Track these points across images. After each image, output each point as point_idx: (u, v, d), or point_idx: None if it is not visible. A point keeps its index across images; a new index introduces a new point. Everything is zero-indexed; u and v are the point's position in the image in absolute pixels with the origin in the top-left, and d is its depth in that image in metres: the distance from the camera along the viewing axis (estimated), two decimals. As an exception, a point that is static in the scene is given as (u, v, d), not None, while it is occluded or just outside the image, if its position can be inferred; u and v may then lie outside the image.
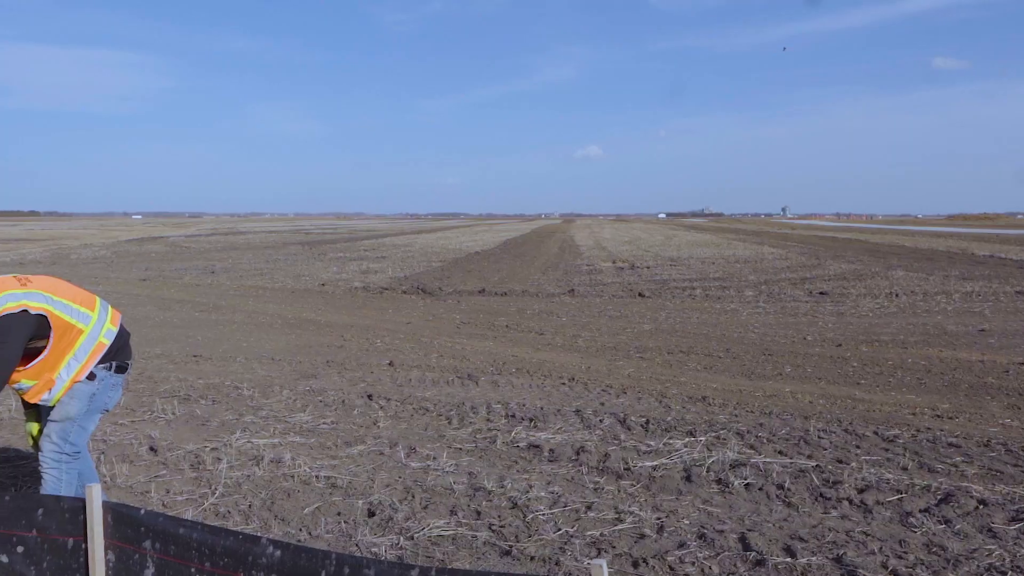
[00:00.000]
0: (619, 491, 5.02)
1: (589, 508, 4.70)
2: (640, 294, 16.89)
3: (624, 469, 5.38)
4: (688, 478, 5.20)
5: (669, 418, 6.70)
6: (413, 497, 4.90)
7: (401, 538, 4.30)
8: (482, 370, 8.96)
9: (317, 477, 5.28)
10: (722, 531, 4.34)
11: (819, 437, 6.07)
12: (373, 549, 4.16)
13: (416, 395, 7.67)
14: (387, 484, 5.16)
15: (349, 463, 5.61)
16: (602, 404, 7.30)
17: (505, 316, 13.82)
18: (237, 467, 5.50)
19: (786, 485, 5.03)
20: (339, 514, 4.68)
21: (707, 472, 5.29)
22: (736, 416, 6.80)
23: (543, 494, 4.93)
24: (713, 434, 6.16)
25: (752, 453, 5.67)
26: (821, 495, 4.88)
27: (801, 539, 4.23)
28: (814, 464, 5.42)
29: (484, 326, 12.64)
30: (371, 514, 4.65)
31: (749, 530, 4.35)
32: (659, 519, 4.53)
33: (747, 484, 5.07)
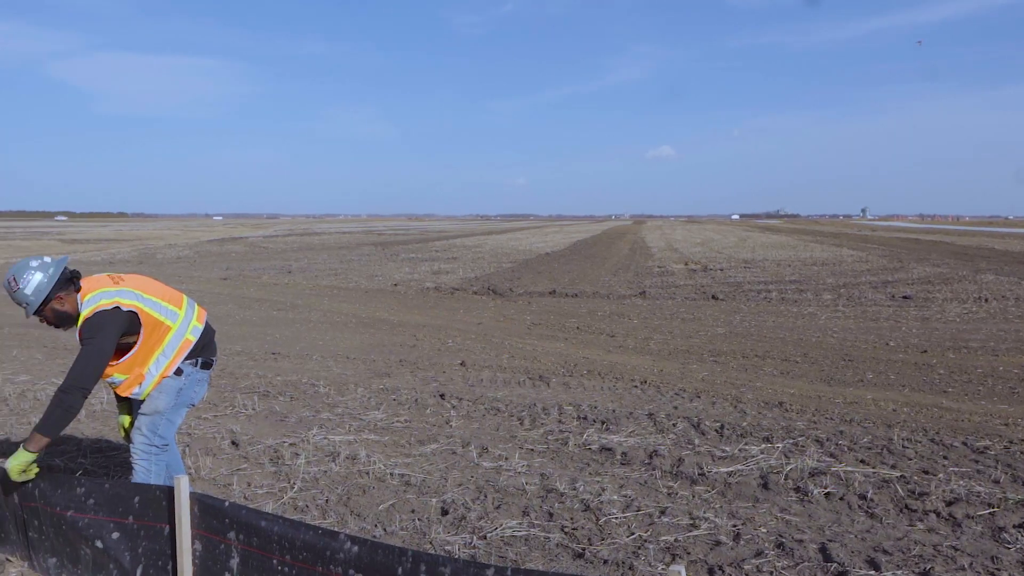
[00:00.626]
0: (693, 496, 4.94)
1: (663, 513, 4.63)
2: (713, 296, 16.60)
3: (698, 474, 5.29)
4: (765, 485, 5.08)
5: (744, 423, 6.56)
6: (485, 497, 4.92)
7: (474, 537, 4.32)
8: (553, 371, 8.95)
9: (391, 474, 5.35)
10: (801, 540, 4.23)
11: (903, 447, 5.85)
12: (446, 547, 4.19)
13: (488, 395, 7.71)
14: (460, 483, 5.20)
15: (422, 461, 5.67)
16: (675, 408, 7.20)
17: (576, 318, 13.77)
18: (314, 463, 5.62)
19: (869, 495, 4.86)
20: (413, 511, 4.73)
21: (785, 480, 5.16)
22: (815, 423, 6.62)
23: (616, 497, 4.89)
24: (791, 441, 6.01)
25: (832, 461, 5.51)
26: (906, 507, 4.71)
27: (885, 552, 4.08)
28: (898, 474, 5.23)
29: (555, 327, 12.63)
30: (444, 512, 4.69)
31: (830, 540, 4.22)
32: (735, 526, 4.44)
33: (827, 493, 4.92)
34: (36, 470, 3.69)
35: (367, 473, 5.39)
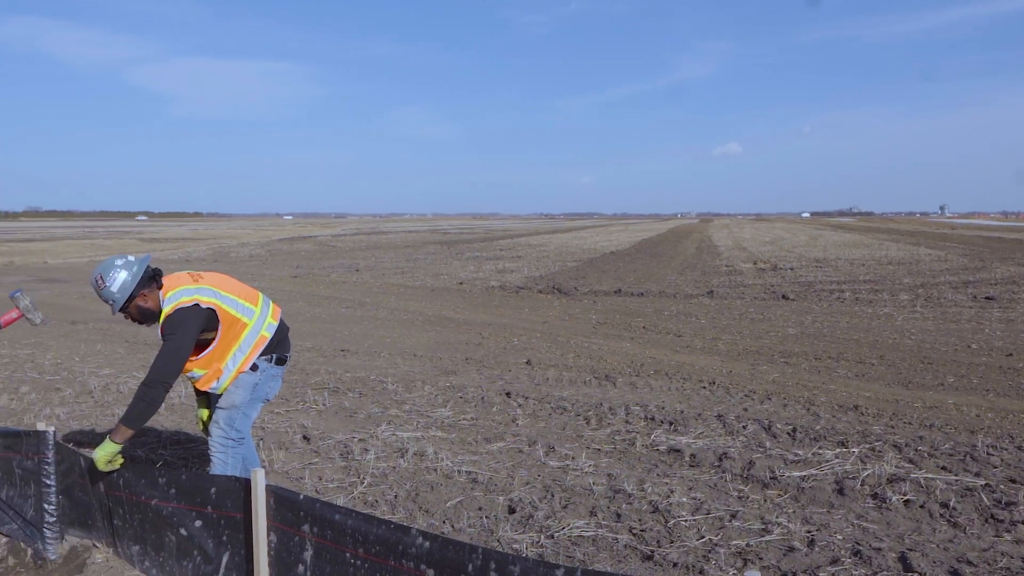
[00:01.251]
0: (765, 500, 4.83)
1: (734, 517, 4.55)
2: (784, 296, 16.23)
3: (770, 478, 5.18)
4: (840, 491, 4.93)
5: (818, 427, 6.39)
6: (552, 496, 4.91)
7: (542, 536, 4.31)
8: (619, 371, 8.88)
9: (459, 472, 5.39)
10: (879, 549, 4.09)
11: (988, 454, 5.61)
12: (514, 545, 4.20)
13: (554, 394, 7.70)
14: (526, 482, 5.20)
15: (489, 459, 5.70)
16: (745, 410, 7.06)
17: (642, 317, 13.64)
18: (383, 458, 5.70)
19: (951, 504, 4.68)
20: (480, 509, 4.75)
21: (861, 486, 5.00)
22: (892, 427, 6.40)
23: (685, 500, 4.82)
24: (867, 446, 5.82)
25: (911, 468, 5.31)
26: (992, 516, 4.51)
27: (970, 563, 3.92)
28: (983, 483, 5.02)
29: (621, 327, 12.53)
30: (511, 511, 4.70)
31: (910, 550, 4.07)
32: (809, 532, 4.32)
33: (906, 500, 4.75)
34: (121, 460, 3.83)
35: (435, 470, 5.44)
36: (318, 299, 16.99)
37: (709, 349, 10.40)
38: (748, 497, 4.89)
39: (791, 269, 23.68)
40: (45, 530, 4.12)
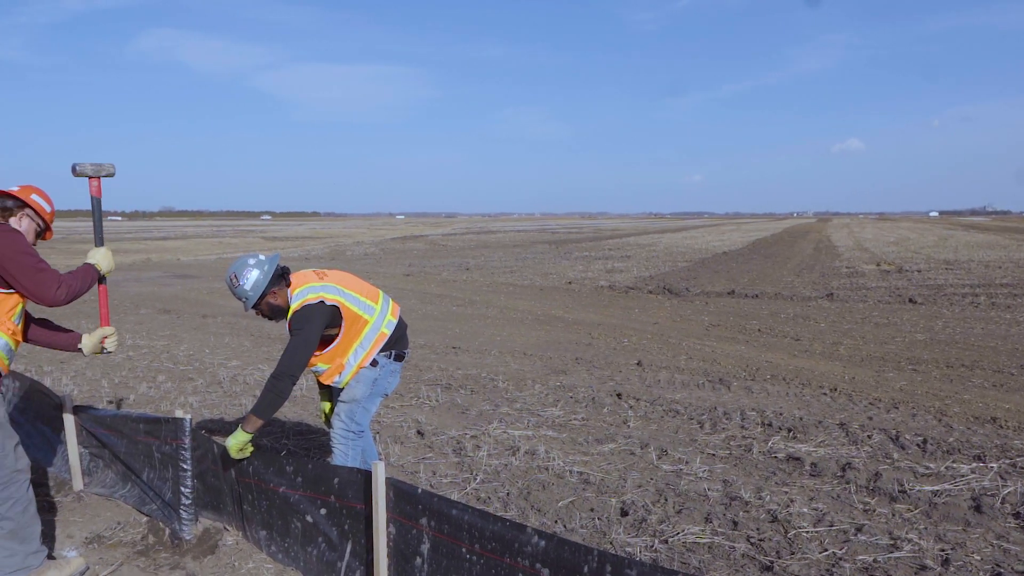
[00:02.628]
0: (893, 515, 4.59)
1: (859, 530, 4.34)
2: (911, 300, 15.38)
3: (899, 491, 4.91)
4: (977, 508, 4.63)
5: (951, 439, 6.01)
6: (666, 500, 4.83)
7: (655, 541, 4.25)
8: (734, 375, 8.65)
9: (570, 472, 5.38)
10: (1023, 573, 3.81)
11: None
12: (627, 548, 4.15)
13: (665, 396, 7.57)
14: (639, 485, 5.13)
15: (601, 460, 5.66)
16: (870, 418, 6.73)
17: (757, 319, 13.23)
18: (495, 455, 5.76)
19: (1106, 527, 4.31)
20: (592, 510, 4.72)
21: (1002, 504, 4.68)
22: (1036, 442, 5.95)
23: (806, 510, 4.64)
24: (1007, 461, 5.44)
25: (1059, 486, 4.93)
26: None
27: None
28: None
29: (734, 329, 12.20)
30: (624, 513, 4.65)
31: (1058, 575, 3.78)
32: (943, 551, 4.07)
33: (1054, 522, 4.41)
34: (251, 448, 4.03)
35: (546, 469, 5.45)
36: (430, 297, 17.35)
37: (829, 354, 9.98)
38: (875, 510, 4.65)
39: (918, 271, 22.42)
40: (181, 512, 4.37)
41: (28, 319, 4.03)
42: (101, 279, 4.17)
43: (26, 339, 4.05)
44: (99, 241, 4.26)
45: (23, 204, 3.81)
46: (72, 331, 4.29)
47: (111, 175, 4.38)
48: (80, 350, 4.21)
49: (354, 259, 32.80)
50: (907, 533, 4.29)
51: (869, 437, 6.09)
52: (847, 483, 5.10)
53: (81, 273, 3.86)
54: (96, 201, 4.34)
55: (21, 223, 3.80)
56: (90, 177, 4.30)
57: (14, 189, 3.80)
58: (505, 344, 10.96)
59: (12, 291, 3.58)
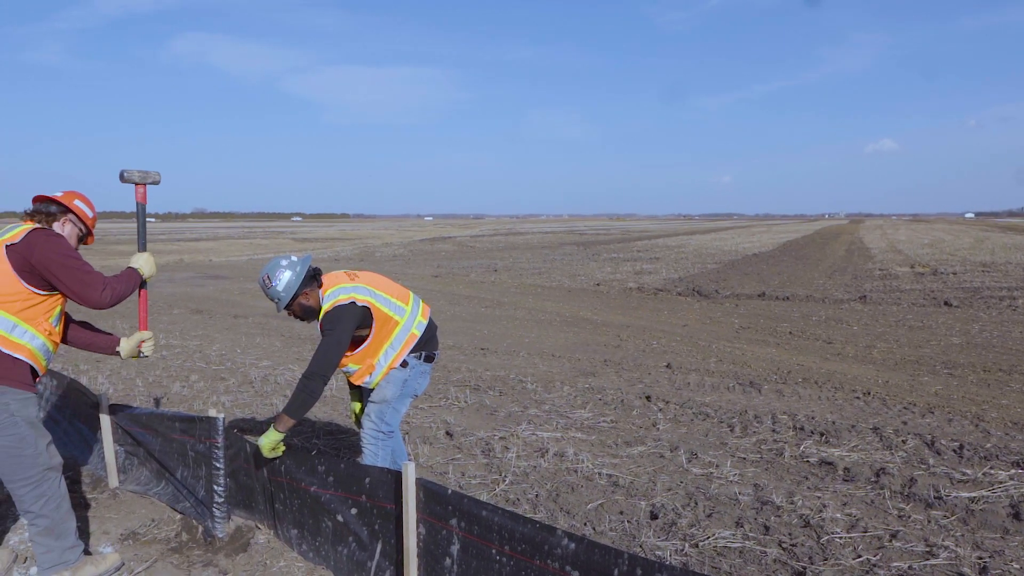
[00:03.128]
0: (929, 521, 4.51)
1: (894, 537, 4.27)
2: (946, 303, 15.12)
3: (934, 497, 4.83)
4: (1016, 515, 4.53)
5: (989, 445, 5.90)
6: (696, 504, 4.79)
7: (686, 544, 4.22)
8: (765, 378, 8.56)
9: (599, 474, 5.36)
10: (1064, 582, 3.73)
11: None
12: (657, 552, 4.13)
13: (695, 399, 7.52)
14: (669, 488, 5.10)
15: (630, 463, 5.63)
16: (904, 423, 6.63)
17: (788, 322, 13.09)
18: (524, 457, 5.76)
19: None
20: (621, 513, 4.70)
21: (1041, 511, 4.58)
22: (1077, 449, 5.82)
23: (839, 515, 4.58)
24: (1047, 468, 5.33)
25: (1101, 494, 4.81)
26: None
27: None
28: None
29: (765, 331, 12.08)
30: (654, 516, 4.62)
31: (1101, 585, 3.69)
32: (981, 559, 4.00)
33: (1096, 530, 4.31)
34: (283, 448, 4.06)
35: (575, 471, 5.44)
36: (458, 298, 17.40)
37: (863, 357, 9.84)
38: (909, 516, 4.58)
39: (954, 274, 22.04)
40: (214, 510, 4.43)
41: (67, 320, 4.10)
42: (143, 284, 4.23)
43: (65, 340, 4.12)
44: (142, 246, 4.32)
45: (66, 209, 3.88)
46: (111, 334, 4.37)
47: (156, 183, 4.47)
48: (118, 353, 4.28)
49: (383, 260, 32.99)
50: (943, 540, 4.22)
51: (904, 442, 6.00)
52: (881, 488, 5.03)
53: (125, 277, 3.93)
54: (141, 207, 4.41)
55: (64, 228, 3.87)
56: (136, 184, 4.38)
57: (57, 195, 3.88)
58: (533, 346, 10.95)
59: (52, 293, 3.65)
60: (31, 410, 3.60)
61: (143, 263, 4.14)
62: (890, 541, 4.23)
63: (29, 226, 3.69)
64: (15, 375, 3.52)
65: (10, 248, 3.55)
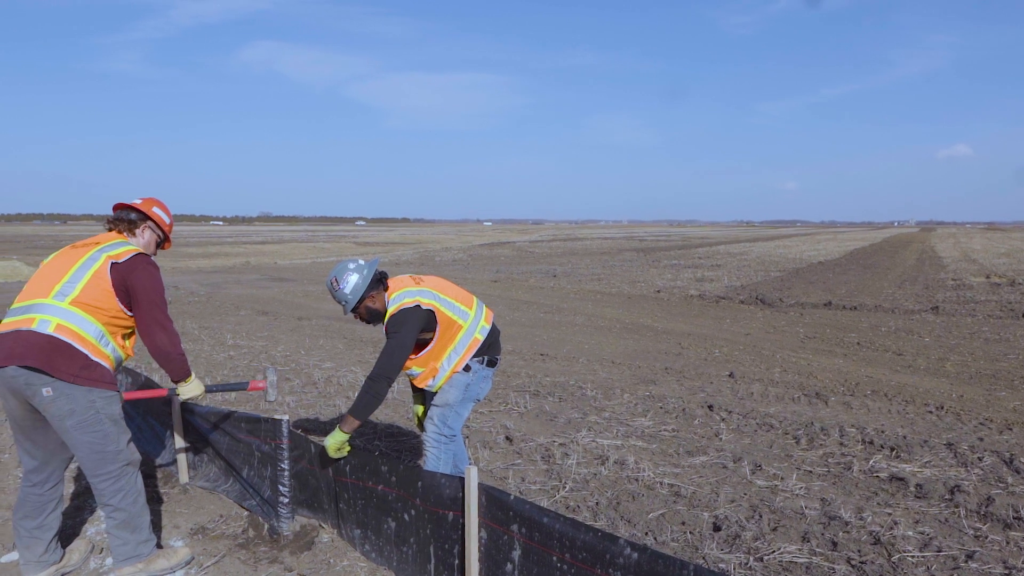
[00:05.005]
0: (1008, 543, 4.33)
1: (970, 557, 4.11)
2: (1024, 315, 14.53)
3: (1013, 518, 4.63)
4: (1103, 540, 4.32)
5: (1072, 464, 5.64)
6: (760, 516, 4.69)
7: (750, 558, 4.13)
8: (831, 389, 8.34)
9: (660, 483, 5.30)
10: None
11: None
12: (720, 564, 4.06)
13: (759, 410, 7.37)
14: (732, 499, 5.01)
15: (692, 473, 5.55)
16: (980, 439, 6.38)
17: (856, 332, 12.74)
18: (584, 464, 5.72)
19: None
20: (683, 523, 4.64)
21: None
22: None
23: (911, 533, 4.43)
24: None
25: None
26: None
27: None
28: None
29: (832, 342, 11.78)
30: (716, 528, 4.54)
31: None
32: (1065, 584, 3.82)
33: None
34: (348, 448, 4.13)
35: (636, 480, 5.38)
36: (517, 303, 17.42)
37: (935, 370, 9.51)
38: (986, 537, 4.40)
39: (1033, 284, 21.14)
40: (280, 508, 4.52)
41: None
42: (173, 391, 4.24)
43: None
44: (207, 389, 4.31)
45: (145, 217, 4.03)
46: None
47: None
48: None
49: (442, 265, 33.27)
50: (1023, 563, 4.04)
51: (980, 459, 5.78)
52: (956, 507, 4.85)
53: (182, 358, 3.94)
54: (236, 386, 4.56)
55: (144, 235, 4.01)
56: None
57: (137, 202, 4.02)
58: (593, 352, 10.90)
59: (134, 315, 3.80)
60: (115, 408, 3.74)
61: (193, 388, 4.10)
62: (966, 562, 4.07)
63: (135, 250, 3.82)
64: (101, 376, 3.66)
65: (114, 266, 3.71)
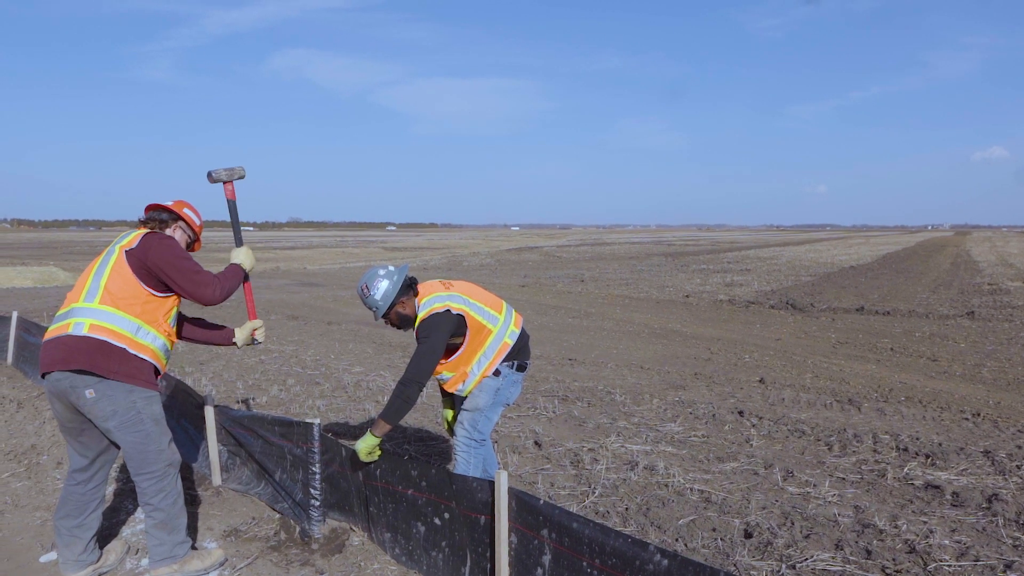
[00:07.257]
0: (1048, 553, 4.24)
1: (1008, 567, 4.04)
2: (1063, 320, 14.22)
3: (1053, 528, 4.54)
4: None
5: (1114, 473, 5.51)
6: (792, 524, 4.65)
7: (782, 565, 4.09)
8: (864, 395, 8.23)
9: (690, 489, 5.26)
10: None
11: None
12: (752, 572, 4.02)
13: (790, 416, 7.30)
14: (763, 506, 4.96)
15: (722, 479, 5.51)
16: (1018, 447, 6.26)
17: (889, 337, 12.56)
18: (613, 469, 5.71)
19: None
20: (714, 530, 4.60)
21: None
22: None
23: (947, 542, 4.35)
24: None
25: None
26: None
27: None
28: None
29: (864, 347, 11.62)
30: (748, 535, 4.50)
31: None
32: (1107, 595, 3.73)
33: None
34: (379, 452, 4.16)
35: (666, 485, 5.36)
36: (545, 308, 17.42)
37: (971, 376, 9.35)
38: (1026, 547, 4.32)
39: (1072, 289, 20.69)
40: (311, 511, 4.56)
41: (181, 319, 4.32)
42: (245, 276, 4.41)
43: (182, 337, 4.35)
44: (239, 241, 4.52)
45: (177, 217, 4.11)
46: (224, 327, 4.59)
47: (243, 177, 4.65)
48: (234, 343, 4.52)
49: (470, 269, 33.35)
50: (1064, 573, 3.96)
51: (1018, 467, 5.67)
52: (994, 516, 4.76)
53: (230, 272, 4.14)
54: (232, 204, 4.60)
55: (175, 234, 4.09)
56: (224, 182, 4.58)
57: (168, 203, 4.10)
58: (622, 357, 10.86)
59: (168, 294, 3.86)
60: (156, 408, 3.81)
61: (243, 257, 4.33)
62: (1004, 572, 4.00)
63: (143, 231, 3.92)
64: (142, 374, 3.73)
65: (129, 252, 3.78)
